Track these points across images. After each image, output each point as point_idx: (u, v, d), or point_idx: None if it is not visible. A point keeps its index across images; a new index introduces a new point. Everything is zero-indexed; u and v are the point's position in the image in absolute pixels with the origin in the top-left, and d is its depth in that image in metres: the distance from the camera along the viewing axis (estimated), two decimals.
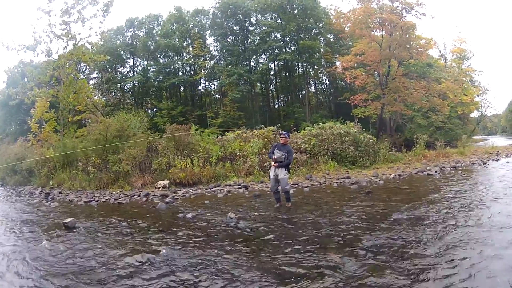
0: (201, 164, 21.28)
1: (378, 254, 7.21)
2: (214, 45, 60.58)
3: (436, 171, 21.08)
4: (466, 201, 11.88)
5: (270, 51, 56.55)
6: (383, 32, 39.14)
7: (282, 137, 13.21)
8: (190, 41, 58.88)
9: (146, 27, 60.53)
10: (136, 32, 60.61)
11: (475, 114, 71.35)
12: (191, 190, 18.21)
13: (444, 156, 28.70)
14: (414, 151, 29.19)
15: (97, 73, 54.24)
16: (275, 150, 12.84)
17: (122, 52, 59.44)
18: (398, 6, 38.61)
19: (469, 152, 32.80)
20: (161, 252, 7.78)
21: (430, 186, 16.13)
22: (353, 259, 6.94)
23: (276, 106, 64.11)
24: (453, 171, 21.40)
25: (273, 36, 56.79)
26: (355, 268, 6.51)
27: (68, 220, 11.11)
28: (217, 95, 63.63)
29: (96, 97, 44.92)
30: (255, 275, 6.47)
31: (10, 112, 57.83)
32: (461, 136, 48.69)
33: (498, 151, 34.43)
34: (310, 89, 64.24)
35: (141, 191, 18.76)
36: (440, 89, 43.84)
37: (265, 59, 58.44)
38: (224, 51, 57.10)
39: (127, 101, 57.79)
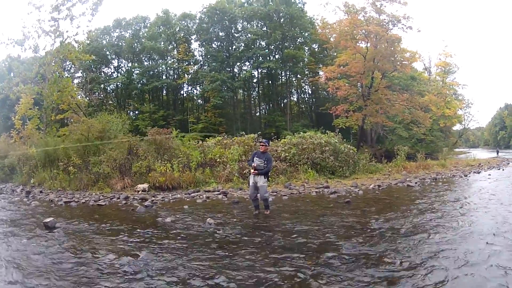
0: (181, 169, 21.24)
1: (356, 262, 7.28)
2: (199, 50, 60.86)
3: (416, 183, 21.32)
4: (444, 212, 12.10)
5: (254, 58, 56.62)
6: (368, 44, 39.30)
7: (262, 145, 13.30)
8: (175, 44, 58.89)
9: (133, 28, 60.57)
10: (123, 33, 60.58)
11: (457, 127, 72.17)
12: (170, 195, 18.12)
13: (425, 167, 29.01)
14: (394, 162, 29.45)
15: (81, 73, 54.23)
16: (255, 158, 12.89)
17: (107, 53, 59.33)
18: (384, 19, 38.83)
19: (450, 164, 33.32)
20: (140, 256, 7.79)
21: (410, 197, 16.33)
22: (330, 267, 7.03)
23: (258, 114, 64.34)
24: (433, 183, 21.72)
25: (258, 43, 56.91)
26: (333, 275, 6.58)
27: (48, 220, 11.06)
28: (199, 101, 63.60)
29: (79, 96, 44.77)
30: (232, 281, 6.50)
31: None
32: (442, 148, 49.17)
33: (480, 164, 34.95)
34: (292, 98, 64.54)
35: (121, 193, 18.63)
36: (422, 102, 44.17)
37: (249, 66, 58.68)
38: (209, 56, 57.04)
39: (110, 102, 57.98)
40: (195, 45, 60.95)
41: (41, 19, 30.95)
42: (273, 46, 57.36)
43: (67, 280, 6.68)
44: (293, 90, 63.44)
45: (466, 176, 25.36)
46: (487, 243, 8.05)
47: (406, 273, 6.60)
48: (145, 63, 59.17)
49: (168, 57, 59.14)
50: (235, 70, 58.87)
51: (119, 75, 59.58)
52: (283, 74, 59.66)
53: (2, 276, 6.93)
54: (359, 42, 40.99)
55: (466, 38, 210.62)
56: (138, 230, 10.62)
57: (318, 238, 9.21)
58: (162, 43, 57.33)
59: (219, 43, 58.72)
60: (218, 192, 18.38)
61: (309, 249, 8.29)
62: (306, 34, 56.55)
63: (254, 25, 58.27)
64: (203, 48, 59.02)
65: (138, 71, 57.81)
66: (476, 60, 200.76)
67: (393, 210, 12.87)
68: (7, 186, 24.11)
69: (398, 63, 40.19)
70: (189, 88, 62.42)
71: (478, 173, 27.51)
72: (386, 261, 7.27)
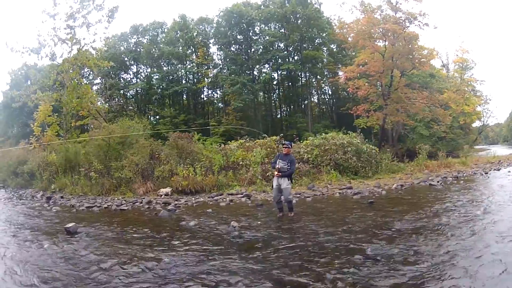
0: (203, 172, 21.26)
1: (381, 263, 7.28)
2: (217, 54, 60.71)
3: (438, 181, 21.09)
4: (468, 211, 11.95)
5: (273, 60, 56.48)
6: (386, 43, 39.08)
7: (285, 147, 13.34)
8: (193, 49, 58.85)
9: (150, 34, 60.65)
10: (140, 38, 60.62)
11: (477, 123, 71.30)
12: (193, 199, 18.22)
13: (446, 166, 28.67)
14: (416, 161, 29.14)
15: (100, 79, 54.36)
16: (278, 160, 12.88)
17: (125, 59, 59.46)
18: (401, 17, 38.58)
19: (471, 162, 32.92)
20: (163, 260, 7.83)
21: (432, 196, 16.16)
22: (356, 268, 7.01)
23: (279, 116, 63.70)
24: (455, 181, 21.49)
25: (276, 45, 56.72)
26: (359, 277, 6.57)
27: (70, 225, 11.13)
28: (220, 104, 63.54)
29: (99, 103, 44.98)
30: (258, 284, 6.52)
31: (13, 115, 57.76)
32: (463, 146, 48.76)
33: (499, 161, 34.49)
34: (312, 99, 64.08)
35: (143, 198, 18.75)
36: (442, 99, 43.76)
37: (268, 68, 58.44)
38: (228, 60, 57.03)
39: (130, 107, 57.86)
40: (213, 49, 60.87)
41: (57, 27, 30.95)
42: (291, 48, 57.25)
43: (89, 285, 6.77)
44: (313, 91, 63.02)
45: (487, 173, 25.04)
46: None
47: (432, 274, 6.58)
48: (164, 68, 59.09)
49: (187, 62, 59.09)
50: (255, 72, 58.71)
51: (138, 80, 59.81)
52: (302, 76, 59.55)
53: (24, 281, 7.01)
54: (377, 41, 40.75)
55: (481, 32, 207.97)
56: (162, 234, 10.68)
57: (343, 240, 9.19)
58: (181, 47, 57.46)
59: (237, 46, 58.70)
60: (242, 195, 18.39)
61: (334, 251, 8.29)
62: (324, 34, 56.25)
63: (272, 27, 58.01)
64: (221, 52, 58.96)
65: (157, 76, 58.02)
66: (492, 54, 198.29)
67: (417, 210, 12.75)
68: (27, 192, 24.39)
69: (417, 60, 39.81)
70: (209, 92, 62.54)
71: (498, 170, 27.14)
72: (411, 262, 7.24)
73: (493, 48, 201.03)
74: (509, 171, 25.38)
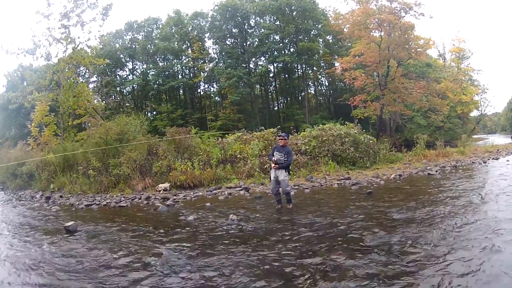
0: (201, 166, 21.17)
1: (381, 253, 7.24)
2: (213, 48, 60.81)
3: (436, 171, 21.06)
4: (466, 200, 11.92)
5: (269, 53, 56.46)
6: (382, 33, 39.08)
7: (281, 139, 13.32)
8: (189, 44, 58.82)
9: (145, 30, 60.66)
10: (135, 35, 60.71)
11: (474, 113, 71.14)
12: (192, 193, 18.12)
13: (444, 155, 28.61)
14: (414, 151, 29.09)
15: (96, 77, 54.14)
16: (275, 152, 12.87)
17: (121, 56, 59.61)
18: (396, 7, 38.54)
19: (469, 151, 32.76)
20: (163, 255, 7.79)
21: (431, 186, 16.15)
22: (355, 259, 6.98)
23: (276, 108, 63.90)
24: (454, 170, 21.44)
25: (272, 38, 56.79)
26: (358, 267, 6.54)
27: (70, 223, 11.07)
28: (216, 98, 63.43)
29: (95, 100, 44.88)
30: (258, 276, 6.51)
31: (10, 116, 57.77)
32: (461, 135, 48.74)
33: (498, 150, 34.39)
34: (309, 91, 64.17)
35: (142, 194, 18.65)
36: (439, 89, 43.90)
37: (264, 61, 58.49)
38: (223, 53, 57.05)
39: (127, 104, 57.97)
40: (209, 43, 60.96)
41: (51, 27, 30.86)
42: (287, 40, 57.31)
43: (90, 282, 6.73)
44: (310, 83, 63.20)
45: (485, 162, 24.99)
46: None
47: (431, 263, 6.57)
48: (160, 64, 59.07)
49: (183, 57, 59.03)
50: (251, 65, 58.60)
51: (134, 77, 59.84)
52: (299, 67, 59.55)
53: (24, 281, 7.00)
54: (373, 31, 40.81)
55: (478, 22, 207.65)
56: (161, 229, 10.66)
57: (342, 230, 9.21)
58: (176, 43, 57.32)
59: (233, 40, 58.68)
60: (240, 188, 18.29)
61: (333, 241, 8.29)
62: (320, 26, 56.35)
63: (267, 19, 58.00)
64: (217, 46, 59.02)
65: (153, 72, 57.88)
66: (489, 44, 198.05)
67: (415, 199, 12.76)
68: (26, 193, 24.19)
69: (413, 50, 39.88)
70: (206, 86, 62.60)
71: (497, 159, 27.04)
72: (410, 252, 7.23)
73: (490, 37, 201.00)
74: (508, 160, 25.33)
